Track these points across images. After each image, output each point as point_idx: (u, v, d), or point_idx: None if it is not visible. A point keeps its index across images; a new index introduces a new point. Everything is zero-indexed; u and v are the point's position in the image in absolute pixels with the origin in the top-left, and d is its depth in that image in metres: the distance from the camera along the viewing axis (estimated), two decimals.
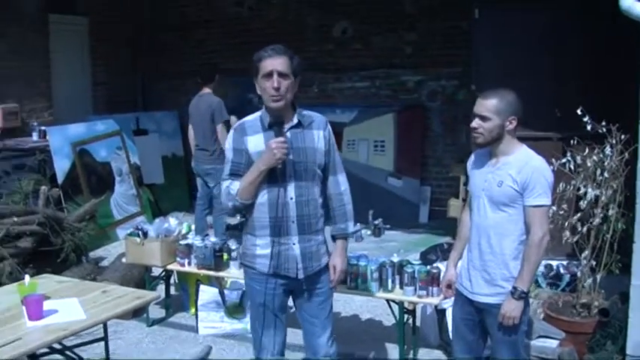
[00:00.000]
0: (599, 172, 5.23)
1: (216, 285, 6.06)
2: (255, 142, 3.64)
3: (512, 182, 3.52)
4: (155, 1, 11.11)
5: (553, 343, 5.02)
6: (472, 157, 3.87)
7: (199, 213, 8.12)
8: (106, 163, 8.97)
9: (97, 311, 3.95)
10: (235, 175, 3.66)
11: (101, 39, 10.32)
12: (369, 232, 8.71)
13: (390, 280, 5.00)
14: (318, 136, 3.73)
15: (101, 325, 4.21)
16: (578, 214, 5.28)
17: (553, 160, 4.97)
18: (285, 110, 3.64)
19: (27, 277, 4.16)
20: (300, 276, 3.72)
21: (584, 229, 5.23)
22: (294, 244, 3.69)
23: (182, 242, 5.84)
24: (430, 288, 4.87)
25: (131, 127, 9.84)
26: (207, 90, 7.86)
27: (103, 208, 8.41)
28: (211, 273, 5.76)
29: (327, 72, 9.92)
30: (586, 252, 5.27)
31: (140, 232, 5.95)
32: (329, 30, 10.05)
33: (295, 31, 10.13)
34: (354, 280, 5.03)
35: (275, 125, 3.59)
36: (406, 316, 5.11)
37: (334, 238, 3.94)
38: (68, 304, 3.99)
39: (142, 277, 6.32)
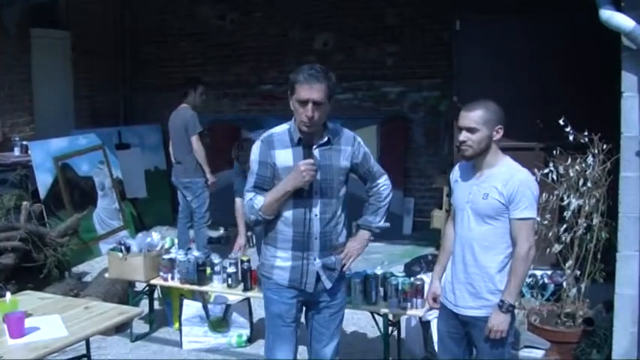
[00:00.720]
0: (581, 181, 5.25)
1: (199, 299, 6.03)
2: (284, 157, 3.64)
3: (499, 195, 3.52)
4: (137, 15, 11.08)
5: (539, 354, 5.04)
6: (455, 170, 3.87)
7: (182, 227, 8.10)
8: (89, 178, 8.91)
9: (79, 328, 3.92)
10: (259, 188, 3.65)
11: (83, 53, 10.26)
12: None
13: (374, 293, 4.99)
14: (345, 152, 3.75)
15: (84, 342, 4.18)
16: (563, 225, 5.29)
17: (536, 170, 4.99)
18: (317, 131, 3.65)
19: (8, 294, 4.12)
20: (317, 290, 3.76)
21: (568, 238, 5.25)
22: (315, 259, 3.71)
23: (165, 257, 5.80)
24: (414, 300, 4.86)
25: (113, 141, 9.78)
26: (184, 105, 7.84)
27: (86, 222, 8.35)
28: (194, 287, 5.72)
29: None
30: (570, 262, 5.29)
31: (123, 247, 5.91)
32: (310, 42, 10.06)
33: (277, 44, 10.15)
34: None
35: (306, 146, 3.60)
36: (391, 328, 5.10)
37: (359, 227, 3.99)
38: (50, 321, 3.95)
39: (125, 292, 6.28)
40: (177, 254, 5.78)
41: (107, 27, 10.80)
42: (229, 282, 5.51)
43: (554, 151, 5.56)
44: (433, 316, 4.84)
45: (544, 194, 5.25)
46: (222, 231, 9.34)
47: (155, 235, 6.06)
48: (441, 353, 3.98)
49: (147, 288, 6.10)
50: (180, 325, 5.88)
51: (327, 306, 3.87)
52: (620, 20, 4.40)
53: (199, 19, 10.74)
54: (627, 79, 4.54)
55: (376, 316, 5.10)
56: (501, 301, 3.53)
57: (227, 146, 8.57)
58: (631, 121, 4.53)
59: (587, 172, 5.22)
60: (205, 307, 5.84)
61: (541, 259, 5.20)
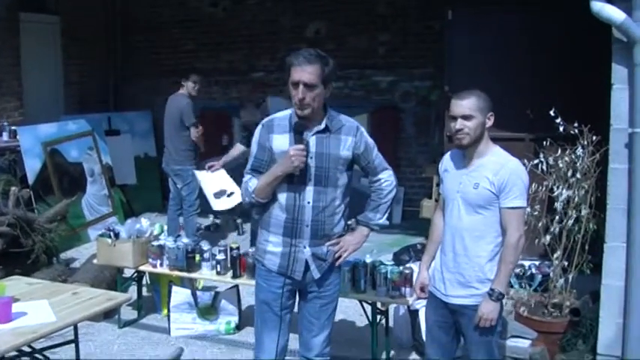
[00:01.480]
0: (570, 173, 5.26)
1: (188, 286, 6.03)
2: (281, 142, 3.63)
3: (489, 184, 3.52)
4: (129, 1, 11.03)
5: (525, 343, 5.05)
6: (444, 159, 3.87)
7: (172, 214, 8.09)
8: (78, 164, 8.89)
9: (67, 313, 3.91)
10: (256, 171, 3.68)
11: (73, 38, 10.22)
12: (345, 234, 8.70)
13: (362, 281, 5.00)
14: (346, 142, 3.69)
15: (72, 327, 4.17)
16: (554, 216, 5.31)
17: (525, 161, 4.99)
18: (313, 115, 3.61)
19: None
20: (307, 279, 3.75)
21: (557, 229, 5.26)
22: (305, 247, 3.69)
23: (154, 243, 5.80)
24: (403, 288, 4.88)
25: (103, 127, 9.76)
26: (181, 91, 7.83)
27: (75, 208, 8.33)
28: (183, 274, 5.72)
29: None
30: (558, 252, 5.31)
31: (112, 233, 5.90)
32: (302, 30, 10.03)
33: (269, 31, 10.12)
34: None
35: (296, 132, 3.59)
36: (379, 316, 5.10)
37: (358, 222, 3.98)
38: (38, 307, 3.94)
39: (113, 279, 6.28)
40: (166, 241, 5.77)
41: (98, 12, 10.77)
42: (218, 269, 5.50)
43: (545, 142, 5.57)
44: (421, 305, 4.86)
45: (533, 185, 5.26)
46: (211, 219, 9.34)
47: (144, 222, 6.06)
48: (429, 342, 3.98)
49: (135, 274, 6.09)
50: (169, 311, 5.88)
51: (318, 296, 3.85)
52: (611, 12, 4.40)
53: (191, 6, 10.71)
54: (617, 71, 4.55)
55: (364, 304, 5.11)
56: (491, 289, 3.54)
57: (218, 133, 8.60)
58: (620, 113, 4.55)
59: (577, 163, 5.23)
60: (194, 294, 5.84)
61: (529, 249, 5.24)
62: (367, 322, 5.20)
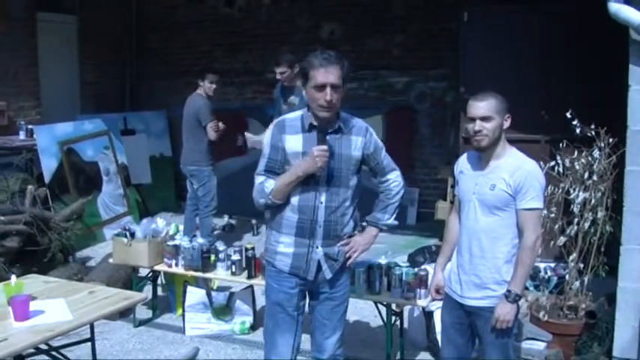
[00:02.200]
0: (587, 175, 5.24)
1: (203, 286, 6.04)
2: (294, 142, 3.64)
3: (506, 186, 3.52)
4: (144, 1, 11.07)
5: (540, 345, 5.04)
6: (460, 161, 3.87)
7: (188, 214, 8.09)
8: (94, 163, 8.93)
9: (84, 312, 3.92)
10: (270, 172, 3.66)
11: (90, 38, 10.26)
12: (356, 234, 8.70)
13: (377, 282, 4.99)
14: (356, 142, 3.73)
15: (87, 326, 4.19)
16: (570, 218, 5.29)
17: (541, 162, 4.98)
18: (330, 118, 3.65)
19: (13, 277, 4.12)
20: (319, 279, 3.76)
21: (573, 231, 5.25)
22: (317, 247, 3.71)
23: (169, 243, 5.82)
24: (418, 290, 4.87)
25: (119, 127, 9.80)
26: (198, 92, 7.83)
27: (90, 207, 8.37)
28: (198, 274, 5.73)
29: None
30: (573, 255, 5.28)
31: (127, 233, 5.92)
32: (318, 31, 10.04)
33: (285, 32, 10.12)
34: None
35: (320, 132, 3.62)
36: (394, 318, 5.10)
37: (367, 223, 4.00)
38: (55, 305, 3.96)
39: (129, 278, 6.31)
40: (181, 241, 5.79)
41: (114, 13, 10.80)
42: (233, 269, 5.51)
43: (561, 144, 5.55)
44: (436, 307, 4.85)
45: (550, 187, 5.24)
46: (226, 219, 9.35)
47: (160, 222, 6.07)
48: (444, 343, 3.99)
49: (150, 274, 6.11)
50: (184, 311, 5.89)
51: (330, 297, 3.87)
52: (628, 13, 4.38)
53: (207, 7, 10.72)
54: (635, 72, 4.53)
55: (379, 305, 5.10)
56: (508, 291, 3.54)
57: (233, 134, 8.61)
58: (638, 115, 4.53)
59: (594, 165, 5.21)
60: (209, 294, 5.86)
61: (545, 251, 5.23)
62: (382, 324, 5.19)
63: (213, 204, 7.78)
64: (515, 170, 3.53)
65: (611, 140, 5.19)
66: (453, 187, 7.72)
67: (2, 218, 6.34)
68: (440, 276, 3.94)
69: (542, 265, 6.29)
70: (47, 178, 8.08)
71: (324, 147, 3.56)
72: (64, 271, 6.53)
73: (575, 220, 5.25)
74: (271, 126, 3.76)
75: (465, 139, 6.88)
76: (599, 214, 5.20)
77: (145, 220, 6.11)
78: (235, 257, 5.50)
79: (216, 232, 8.55)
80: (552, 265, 6.30)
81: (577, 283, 5.30)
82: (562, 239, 5.29)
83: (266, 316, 3.93)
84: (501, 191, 3.54)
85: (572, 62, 6.88)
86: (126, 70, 11.15)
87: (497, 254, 3.60)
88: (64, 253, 6.93)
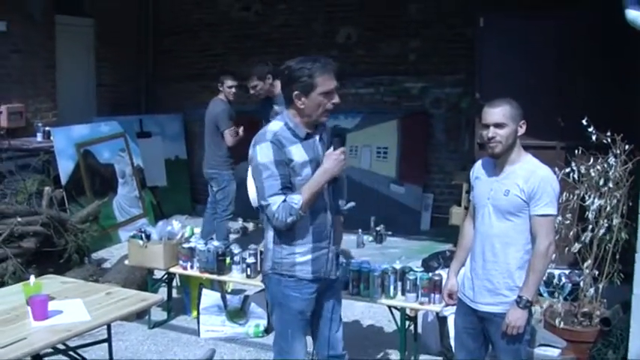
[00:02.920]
0: (602, 182, 5.24)
1: (218, 289, 6.07)
2: (299, 153, 3.62)
3: (520, 191, 3.54)
4: (161, 4, 11.13)
5: (555, 352, 5.04)
6: (475, 167, 3.88)
7: (208, 217, 8.04)
8: (110, 165, 8.99)
9: (101, 312, 3.96)
10: (286, 188, 3.59)
11: (106, 41, 10.33)
12: (370, 239, 8.74)
13: (392, 287, 5.01)
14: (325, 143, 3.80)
15: (103, 327, 4.22)
16: (585, 225, 5.28)
17: (556, 169, 4.98)
18: None
19: (32, 277, 4.16)
20: (335, 276, 3.87)
21: (588, 238, 5.24)
22: (330, 248, 3.78)
23: (185, 245, 5.85)
24: (432, 295, 4.88)
25: (135, 130, 9.85)
26: (219, 96, 7.83)
27: (106, 209, 8.42)
28: (214, 277, 5.77)
29: None
30: (588, 261, 5.28)
31: (143, 235, 5.97)
32: (333, 36, 10.06)
33: (300, 36, 10.15)
34: (356, 286, 5.04)
35: (336, 137, 3.69)
36: (407, 322, 5.11)
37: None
38: (73, 305, 4.00)
39: (144, 280, 6.35)
40: (197, 243, 5.82)
41: (131, 16, 10.87)
42: (248, 272, 5.54)
43: (576, 151, 5.55)
44: (450, 312, 4.86)
45: (565, 194, 5.24)
46: (241, 222, 9.37)
47: (175, 224, 6.11)
48: (457, 348, 4.00)
49: (166, 276, 6.15)
50: (198, 313, 5.92)
51: (335, 292, 3.97)
52: None
53: (223, 10, 10.76)
54: None
55: (393, 310, 5.12)
56: (519, 297, 3.55)
57: (248, 138, 8.64)
58: None
59: (609, 172, 5.20)
60: (224, 297, 5.88)
61: (559, 258, 5.22)
62: (395, 328, 5.21)
63: (231, 208, 7.76)
64: (530, 176, 3.54)
65: (627, 147, 5.19)
66: (467, 192, 7.73)
67: (20, 219, 6.38)
68: (453, 281, 3.95)
69: (556, 272, 6.27)
70: (64, 180, 8.14)
71: (344, 148, 3.63)
72: (80, 273, 6.56)
73: (590, 227, 5.25)
74: (266, 144, 3.58)
75: (479, 145, 6.87)
76: (615, 221, 5.20)
77: (160, 223, 6.16)
78: (250, 260, 5.53)
79: (235, 236, 8.58)
80: (567, 271, 6.29)
81: (592, 290, 5.30)
82: (577, 246, 5.30)
83: (281, 325, 3.89)
84: (515, 197, 3.55)
85: (587, 69, 6.87)
86: (142, 73, 11.21)
87: (510, 260, 3.61)
88: (80, 254, 6.97)
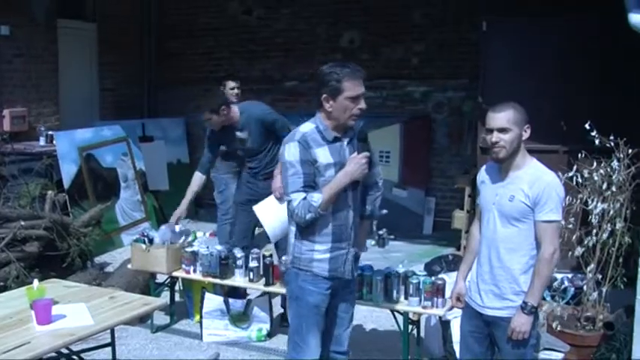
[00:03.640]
0: (605, 185, 5.23)
1: (221, 293, 6.07)
2: (324, 155, 3.77)
3: (524, 197, 3.53)
4: (163, 8, 11.14)
5: (558, 356, 5.03)
6: (482, 171, 3.88)
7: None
8: (112, 169, 8.99)
9: (104, 317, 3.97)
10: (308, 186, 3.73)
11: (109, 45, 10.34)
12: (373, 243, 8.72)
13: (395, 291, 5.01)
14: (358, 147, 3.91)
15: (106, 331, 4.22)
16: (588, 229, 5.28)
17: (560, 173, 4.98)
18: None
19: (36, 281, 4.17)
20: (351, 277, 3.98)
21: (591, 242, 5.24)
22: (349, 249, 3.89)
23: (188, 249, 5.85)
24: (435, 299, 4.87)
25: (137, 134, 9.86)
26: None
27: (108, 213, 8.43)
28: (217, 281, 5.76)
29: None
30: (591, 265, 5.27)
31: (146, 239, 5.97)
32: (337, 40, 10.07)
33: (303, 40, 10.17)
34: (359, 290, 5.04)
35: (360, 141, 3.83)
36: (410, 326, 5.11)
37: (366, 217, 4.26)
38: (76, 309, 4.01)
39: (146, 284, 6.35)
40: (200, 247, 5.82)
41: (133, 20, 10.89)
42: (251, 276, 5.54)
43: (579, 155, 5.55)
44: (453, 316, 4.86)
45: (568, 197, 5.23)
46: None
47: (178, 228, 6.11)
48: (462, 352, 3.99)
49: (168, 280, 6.15)
50: (201, 317, 5.92)
51: (351, 292, 4.10)
52: None
53: (226, 14, 10.77)
54: None
55: (396, 314, 5.11)
56: (524, 302, 3.54)
57: None
58: None
59: (612, 176, 5.20)
60: (226, 301, 5.88)
61: (562, 262, 5.18)
62: (397, 332, 5.20)
63: (231, 212, 7.73)
64: (535, 181, 3.53)
65: (630, 151, 5.19)
66: (470, 196, 7.76)
67: (23, 223, 6.39)
68: (461, 284, 3.96)
69: (559, 276, 6.27)
70: (66, 184, 8.13)
71: (367, 154, 3.78)
72: (83, 277, 6.57)
73: (594, 231, 5.25)
74: (294, 143, 3.74)
75: (482, 150, 6.88)
76: (618, 225, 5.20)
77: (163, 227, 6.15)
78: (253, 264, 5.53)
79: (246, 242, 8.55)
80: (570, 275, 6.28)
81: (595, 294, 5.29)
82: (580, 250, 5.29)
83: (297, 319, 3.99)
84: (520, 202, 3.54)
85: (590, 73, 6.87)
86: (144, 77, 11.22)
87: (515, 265, 3.61)
88: (83, 258, 6.99)
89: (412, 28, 9.65)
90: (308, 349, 3.93)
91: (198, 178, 6.13)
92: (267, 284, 5.48)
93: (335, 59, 9.94)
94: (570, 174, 5.32)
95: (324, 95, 3.73)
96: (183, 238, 6.04)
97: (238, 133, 5.92)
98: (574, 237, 5.36)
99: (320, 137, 3.78)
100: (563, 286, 6.17)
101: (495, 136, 3.58)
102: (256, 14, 10.60)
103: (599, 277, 5.31)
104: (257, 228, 6.51)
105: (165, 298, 6.11)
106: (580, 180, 5.34)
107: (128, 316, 4.11)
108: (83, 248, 6.95)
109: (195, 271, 5.82)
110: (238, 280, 5.67)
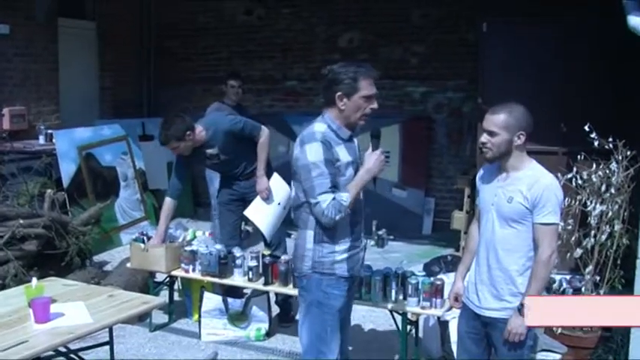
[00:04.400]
0: (604, 187, 5.24)
1: (220, 292, 6.07)
2: (343, 153, 3.77)
3: (523, 199, 3.53)
4: (164, 8, 11.13)
5: (555, 357, 5.04)
6: (481, 171, 3.88)
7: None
8: (112, 168, 8.98)
9: (103, 315, 3.98)
10: (334, 187, 3.69)
11: (109, 44, 10.35)
12: (372, 243, 8.73)
13: (393, 291, 5.01)
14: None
15: (104, 329, 4.23)
16: (587, 230, 5.28)
17: (559, 174, 4.98)
18: None
19: (34, 279, 4.18)
20: (361, 275, 4.06)
21: (589, 244, 5.24)
22: (362, 248, 3.96)
23: (187, 248, 5.86)
24: (433, 299, 4.88)
25: (137, 133, 9.85)
26: (224, 98, 7.83)
27: (108, 212, 8.41)
28: (215, 280, 5.77)
29: None
30: (589, 267, 5.28)
31: (145, 238, 5.97)
32: (336, 40, 10.07)
33: (303, 40, 10.17)
34: (357, 290, 5.04)
35: (374, 137, 3.87)
36: (409, 327, 5.11)
37: None
38: (75, 308, 4.01)
39: (145, 283, 6.34)
40: (199, 246, 5.83)
41: (133, 19, 10.89)
42: (250, 275, 5.55)
43: (578, 156, 5.55)
44: (451, 316, 4.86)
45: (567, 199, 5.24)
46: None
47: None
48: (460, 352, 4.00)
49: (167, 279, 6.15)
50: (200, 317, 5.92)
51: (354, 292, 4.16)
52: None
53: (226, 14, 10.77)
54: None
55: (395, 314, 5.12)
56: (521, 304, 3.54)
57: None
58: None
59: (611, 178, 5.21)
60: (225, 301, 5.88)
61: (561, 263, 5.20)
62: (396, 332, 5.21)
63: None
64: (533, 183, 3.53)
65: (628, 153, 5.20)
66: (469, 197, 7.76)
67: (22, 222, 6.38)
68: (460, 284, 3.97)
69: (557, 277, 6.27)
70: (66, 183, 8.12)
71: (382, 150, 3.82)
72: (82, 275, 6.55)
73: (592, 232, 5.26)
74: (317, 143, 3.67)
75: (481, 150, 6.89)
76: (616, 227, 5.21)
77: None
78: (252, 263, 5.54)
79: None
80: (568, 277, 6.28)
81: None
82: (578, 251, 5.30)
83: (320, 325, 3.89)
84: (518, 204, 3.54)
85: (590, 74, 6.88)
86: (144, 76, 11.22)
87: (512, 266, 3.61)
88: (82, 257, 6.97)
89: (411, 29, 9.65)
90: (332, 355, 3.88)
91: (170, 203, 5.99)
92: (266, 283, 5.49)
93: (334, 59, 9.96)
94: (569, 175, 5.33)
95: (339, 93, 3.71)
96: (182, 234, 6.06)
97: (208, 151, 5.86)
98: (572, 238, 5.37)
99: (335, 136, 3.76)
100: (561, 288, 6.17)
101: (484, 137, 3.62)
102: (256, 14, 10.61)
103: (597, 278, 5.32)
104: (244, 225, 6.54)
105: (164, 297, 6.12)
106: (579, 182, 5.35)
107: (127, 314, 4.12)
108: (82, 247, 6.94)
109: (194, 270, 5.83)
110: (237, 279, 5.68)
